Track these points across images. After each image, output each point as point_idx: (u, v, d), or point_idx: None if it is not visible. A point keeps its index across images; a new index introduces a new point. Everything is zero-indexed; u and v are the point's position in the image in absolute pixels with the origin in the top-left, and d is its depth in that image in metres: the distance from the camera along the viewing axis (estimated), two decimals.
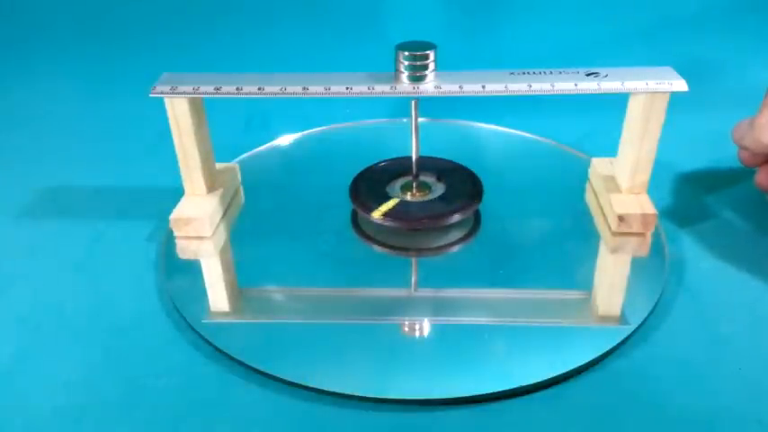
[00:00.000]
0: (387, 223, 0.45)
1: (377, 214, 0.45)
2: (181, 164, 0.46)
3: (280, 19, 0.75)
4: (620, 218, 0.45)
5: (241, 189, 0.53)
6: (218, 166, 0.50)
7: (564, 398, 0.34)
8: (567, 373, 0.35)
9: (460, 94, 0.42)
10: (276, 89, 0.42)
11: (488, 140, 0.62)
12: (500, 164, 0.57)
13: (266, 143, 0.61)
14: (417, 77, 0.42)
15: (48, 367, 0.37)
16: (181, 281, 0.43)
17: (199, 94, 0.43)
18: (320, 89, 0.42)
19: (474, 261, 0.44)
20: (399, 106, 0.65)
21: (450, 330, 0.38)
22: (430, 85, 0.42)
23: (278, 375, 0.35)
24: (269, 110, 0.68)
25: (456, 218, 0.45)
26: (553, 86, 0.42)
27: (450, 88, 0.42)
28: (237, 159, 0.57)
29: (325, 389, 0.34)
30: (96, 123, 0.68)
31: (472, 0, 0.75)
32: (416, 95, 0.42)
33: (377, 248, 0.45)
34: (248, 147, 0.60)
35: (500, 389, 0.34)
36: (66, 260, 0.46)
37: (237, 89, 0.42)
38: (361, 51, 0.72)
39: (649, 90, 0.42)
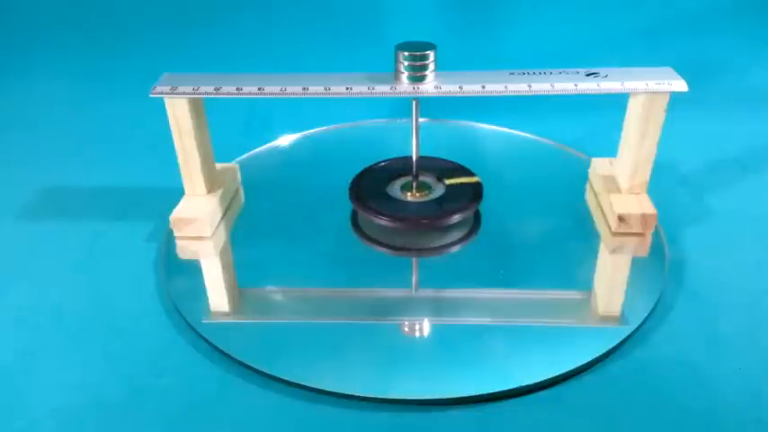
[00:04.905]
0: (388, 223, 0.45)
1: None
2: (181, 164, 0.46)
3: (279, 20, 0.75)
4: (620, 218, 0.45)
5: (241, 189, 0.53)
6: (218, 166, 0.50)
7: (564, 398, 0.34)
8: (567, 373, 0.35)
9: (460, 95, 0.42)
10: (276, 89, 0.42)
11: (488, 140, 0.62)
12: (500, 164, 0.57)
13: (266, 143, 0.61)
14: (417, 78, 0.42)
15: (48, 367, 0.37)
16: (181, 281, 0.43)
17: (199, 94, 0.43)
18: (320, 89, 0.42)
19: (474, 261, 0.44)
20: (399, 106, 0.65)
21: (450, 330, 0.38)
22: (430, 86, 0.42)
23: (278, 375, 0.35)
24: (269, 110, 0.68)
25: (456, 218, 0.45)
26: (553, 86, 0.42)
27: (450, 88, 0.42)
28: (237, 159, 0.57)
29: (325, 389, 0.34)
30: (96, 123, 0.68)
31: (472, 0, 0.75)
32: (416, 95, 0.42)
33: (377, 248, 0.45)
34: (248, 147, 0.60)
35: (500, 389, 0.34)
36: (67, 260, 0.46)
37: (237, 89, 0.42)
38: (361, 52, 0.72)
39: (649, 90, 0.42)
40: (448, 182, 0.48)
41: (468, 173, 0.49)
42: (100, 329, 0.39)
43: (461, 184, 0.48)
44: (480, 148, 0.60)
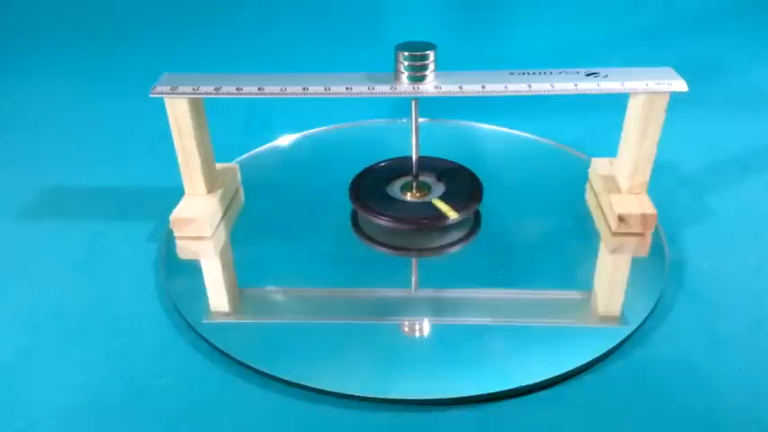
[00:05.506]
0: (388, 223, 0.45)
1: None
2: (181, 164, 0.46)
3: (279, 20, 0.75)
4: (620, 218, 0.45)
5: (241, 189, 0.53)
6: (218, 166, 0.50)
7: (564, 398, 0.34)
8: (567, 373, 0.35)
9: (460, 95, 0.42)
10: (276, 89, 0.42)
11: (488, 140, 0.62)
12: (500, 164, 0.57)
13: (266, 143, 0.61)
14: (417, 77, 0.42)
15: (48, 367, 0.37)
16: (181, 281, 0.43)
17: (199, 94, 0.43)
18: (320, 89, 0.42)
19: (474, 261, 0.44)
20: (399, 106, 0.65)
21: (450, 330, 0.38)
22: (430, 85, 0.42)
23: (278, 375, 0.35)
24: (269, 110, 0.68)
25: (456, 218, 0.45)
26: (553, 86, 0.42)
27: (450, 88, 0.42)
28: (237, 159, 0.57)
29: (326, 389, 0.34)
30: (96, 123, 0.68)
31: (472, 0, 0.75)
32: (416, 95, 0.42)
33: (377, 248, 0.45)
34: (248, 147, 0.60)
35: (500, 389, 0.34)
36: (67, 260, 0.46)
37: (237, 89, 0.42)
38: (361, 52, 0.72)
39: (649, 90, 0.42)
40: (434, 201, 0.47)
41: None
42: (100, 329, 0.39)
43: (442, 211, 0.45)
44: (480, 148, 0.60)
